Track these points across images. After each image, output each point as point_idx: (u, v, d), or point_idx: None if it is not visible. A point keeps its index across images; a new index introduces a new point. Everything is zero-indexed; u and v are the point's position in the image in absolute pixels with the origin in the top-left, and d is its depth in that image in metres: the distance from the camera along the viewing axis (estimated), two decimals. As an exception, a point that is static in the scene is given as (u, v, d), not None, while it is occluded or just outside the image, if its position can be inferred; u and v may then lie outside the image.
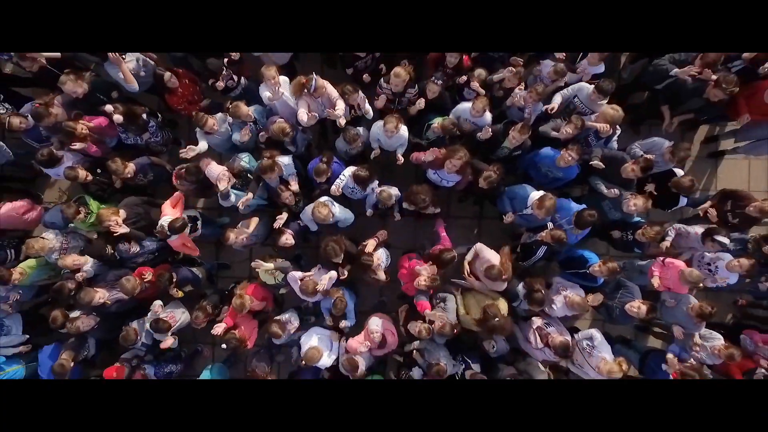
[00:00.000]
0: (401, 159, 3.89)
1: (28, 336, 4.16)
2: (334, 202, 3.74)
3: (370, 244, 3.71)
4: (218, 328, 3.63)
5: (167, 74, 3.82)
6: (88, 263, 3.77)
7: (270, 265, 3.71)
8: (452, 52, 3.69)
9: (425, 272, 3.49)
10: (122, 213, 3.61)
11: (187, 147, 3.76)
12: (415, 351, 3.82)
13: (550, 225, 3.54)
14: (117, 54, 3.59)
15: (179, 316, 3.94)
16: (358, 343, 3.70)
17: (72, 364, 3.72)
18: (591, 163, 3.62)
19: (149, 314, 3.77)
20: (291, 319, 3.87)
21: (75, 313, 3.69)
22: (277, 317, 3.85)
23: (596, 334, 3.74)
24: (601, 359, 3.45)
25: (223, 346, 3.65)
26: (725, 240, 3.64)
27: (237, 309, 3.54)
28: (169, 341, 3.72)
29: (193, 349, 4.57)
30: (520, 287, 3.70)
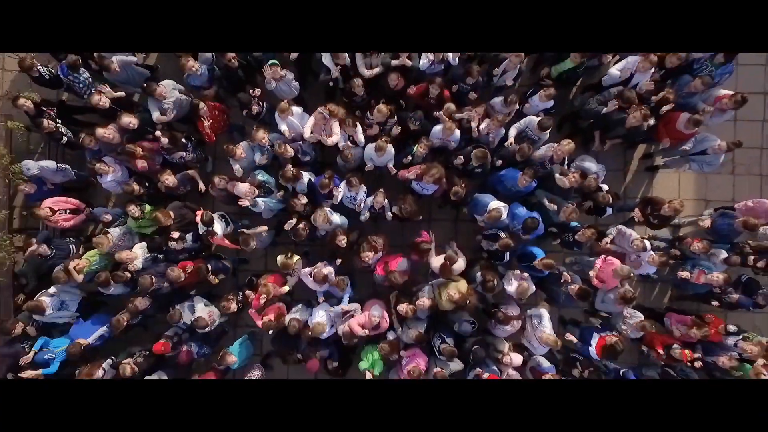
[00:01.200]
0: (393, 170, 4.87)
1: (78, 314, 5.11)
2: (333, 211, 4.72)
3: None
4: (260, 321, 4.64)
5: (201, 104, 4.80)
6: (138, 258, 4.72)
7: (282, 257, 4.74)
8: (434, 85, 4.65)
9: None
10: (171, 214, 4.59)
11: (230, 181, 4.76)
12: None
13: (503, 235, 4.55)
14: (161, 91, 4.57)
15: (216, 316, 4.91)
16: (358, 327, 4.66)
17: (125, 324, 4.66)
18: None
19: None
20: (302, 313, 4.86)
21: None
22: (296, 314, 4.80)
23: (544, 313, 4.74)
24: (542, 332, 4.46)
25: (270, 331, 4.67)
26: (647, 243, 4.66)
27: (265, 293, 4.51)
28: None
29: (220, 329, 5.52)
30: (478, 275, 4.69)
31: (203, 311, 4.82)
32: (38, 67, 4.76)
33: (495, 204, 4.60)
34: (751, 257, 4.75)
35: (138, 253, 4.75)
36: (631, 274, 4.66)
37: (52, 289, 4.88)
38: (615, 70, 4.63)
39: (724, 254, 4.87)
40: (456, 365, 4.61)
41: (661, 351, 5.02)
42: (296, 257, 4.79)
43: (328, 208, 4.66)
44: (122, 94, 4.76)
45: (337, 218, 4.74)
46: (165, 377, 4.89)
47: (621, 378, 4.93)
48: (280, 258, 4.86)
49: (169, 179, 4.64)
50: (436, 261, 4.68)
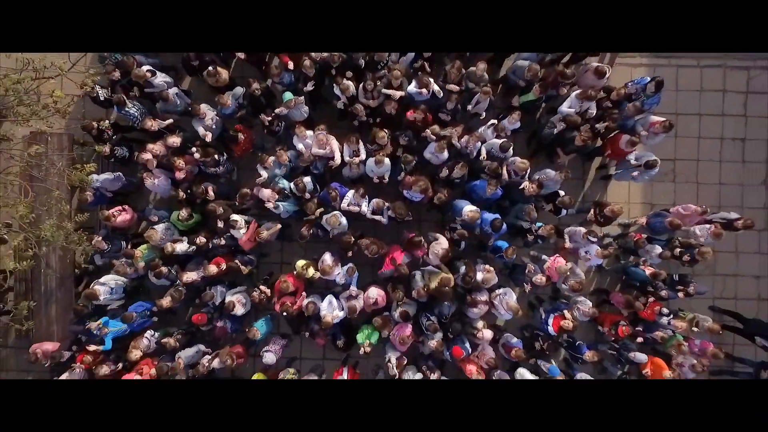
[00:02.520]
0: (386, 179, 5.95)
1: (124, 300, 6.19)
2: (341, 215, 5.80)
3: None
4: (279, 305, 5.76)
5: (240, 134, 5.93)
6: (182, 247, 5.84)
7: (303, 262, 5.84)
8: (418, 111, 5.72)
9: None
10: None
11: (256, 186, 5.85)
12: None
13: (460, 227, 5.71)
14: (204, 111, 5.67)
15: (244, 298, 6.00)
16: (357, 306, 5.77)
17: (166, 306, 5.76)
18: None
19: None
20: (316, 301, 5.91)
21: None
22: (311, 300, 5.83)
23: (510, 291, 5.86)
24: (508, 302, 5.59)
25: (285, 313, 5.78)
26: (590, 237, 5.77)
27: (284, 289, 5.64)
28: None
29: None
30: (462, 268, 5.78)
31: (233, 296, 5.92)
32: (97, 89, 5.80)
33: (472, 207, 5.71)
34: (678, 250, 5.86)
35: (181, 246, 5.86)
36: (568, 273, 5.74)
37: (102, 279, 5.97)
38: (564, 108, 5.72)
39: (659, 249, 6.00)
40: (438, 335, 5.73)
41: (608, 328, 6.17)
42: (312, 271, 5.81)
43: (338, 212, 5.74)
44: (171, 121, 5.84)
45: (344, 221, 5.83)
46: (203, 348, 6.01)
47: (576, 350, 6.03)
48: (299, 266, 5.88)
49: (210, 192, 5.84)
50: (436, 249, 5.76)
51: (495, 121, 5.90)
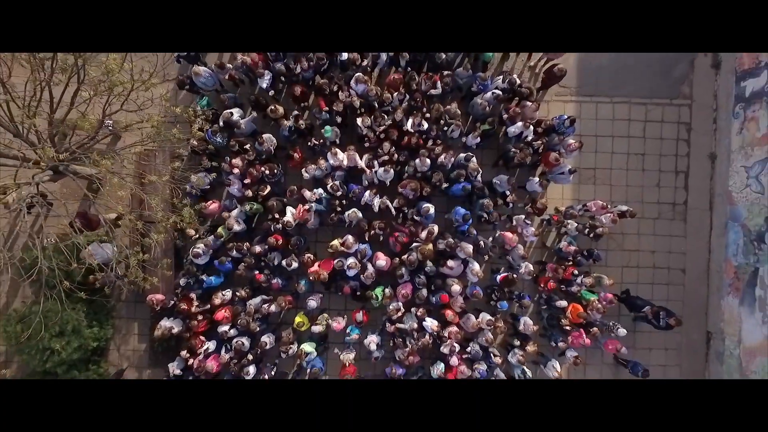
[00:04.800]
0: (387, 183, 8.73)
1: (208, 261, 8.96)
2: (358, 210, 8.58)
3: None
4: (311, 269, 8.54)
5: (296, 154, 8.70)
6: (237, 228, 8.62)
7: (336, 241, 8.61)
8: (413, 136, 8.53)
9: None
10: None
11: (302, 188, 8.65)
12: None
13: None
14: (267, 138, 8.46)
15: (295, 262, 8.75)
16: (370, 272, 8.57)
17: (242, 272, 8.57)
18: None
19: None
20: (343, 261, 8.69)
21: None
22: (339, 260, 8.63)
23: (475, 262, 8.65)
24: (472, 268, 8.39)
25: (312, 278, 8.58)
26: (528, 221, 8.60)
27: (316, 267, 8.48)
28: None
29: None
30: (442, 245, 8.58)
31: (285, 261, 8.69)
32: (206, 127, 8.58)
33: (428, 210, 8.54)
34: (587, 230, 8.69)
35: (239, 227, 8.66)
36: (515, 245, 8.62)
37: (198, 245, 8.69)
38: (510, 129, 8.53)
39: (575, 224, 8.85)
40: (425, 291, 8.53)
41: (543, 285, 8.99)
42: (338, 245, 8.56)
43: (355, 209, 8.54)
44: (247, 147, 8.63)
45: (360, 214, 8.60)
46: (265, 297, 8.79)
47: (519, 298, 8.85)
48: (334, 244, 8.63)
49: (273, 202, 8.65)
50: (422, 234, 8.54)
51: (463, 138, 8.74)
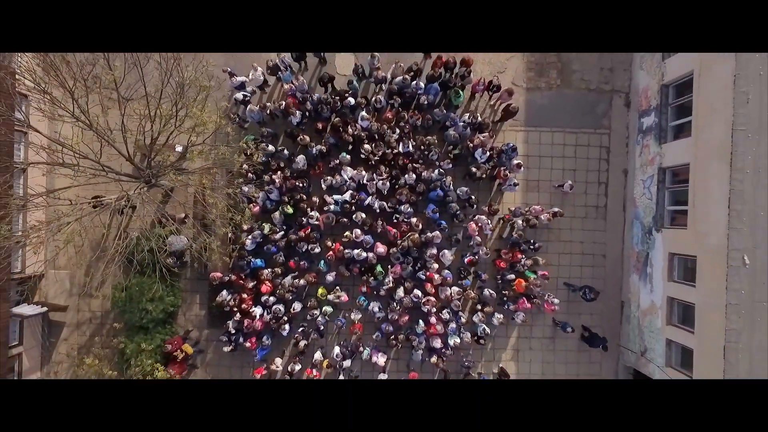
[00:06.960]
0: (384, 192, 12.08)
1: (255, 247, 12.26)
2: (362, 213, 11.93)
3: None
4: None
5: (318, 164, 12.03)
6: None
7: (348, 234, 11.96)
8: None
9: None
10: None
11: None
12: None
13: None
14: (297, 160, 11.80)
15: (318, 248, 12.08)
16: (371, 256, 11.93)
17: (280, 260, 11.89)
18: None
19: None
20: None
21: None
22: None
23: (448, 251, 12.01)
24: (444, 254, 11.77)
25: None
26: (486, 219, 11.98)
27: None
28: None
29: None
30: (429, 234, 11.95)
31: (310, 246, 12.01)
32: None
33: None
34: (528, 224, 12.10)
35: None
36: (477, 235, 12.00)
37: (249, 237, 12.00)
38: (477, 153, 11.91)
39: (520, 220, 12.24)
40: (410, 268, 11.90)
41: (498, 265, 12.38)
42: (348, 233, 11.96)
43: (360, 212, 11.91)
44: (282, 165, 11.97)
45: (363, 215, 11.94)
46: (294, 275, 12.12)
47: (480, 277, 12.23)
48: (348, 234, 11.98)
49: (314, 213, 11.98)
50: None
51: (440, 162, 12.12)
